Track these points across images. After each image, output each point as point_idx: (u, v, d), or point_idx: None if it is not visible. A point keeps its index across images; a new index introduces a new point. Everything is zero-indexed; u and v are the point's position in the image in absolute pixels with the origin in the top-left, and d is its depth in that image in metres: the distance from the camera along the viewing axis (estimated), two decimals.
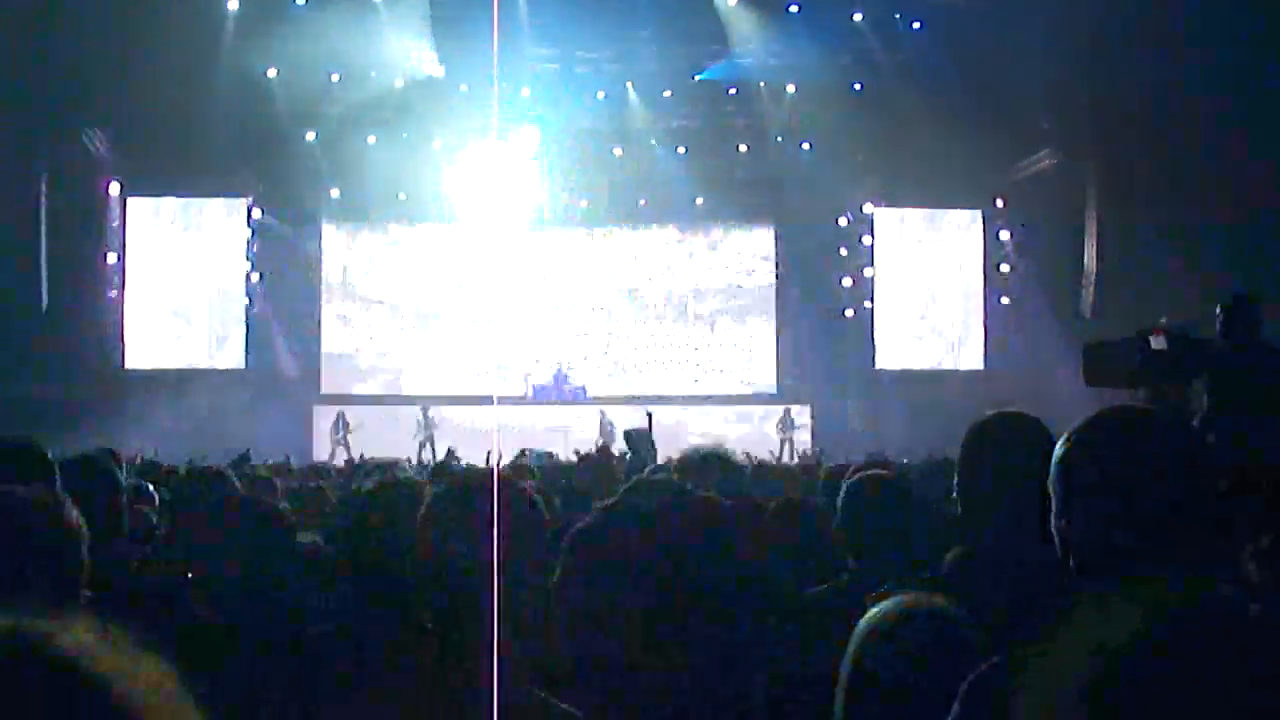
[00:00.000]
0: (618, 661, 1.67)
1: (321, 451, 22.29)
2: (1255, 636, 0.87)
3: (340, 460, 19.01)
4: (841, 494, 3.95)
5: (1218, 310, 7.66)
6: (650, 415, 17.08)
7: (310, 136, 23.16)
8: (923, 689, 2.12)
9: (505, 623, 2.18)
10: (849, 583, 3.62)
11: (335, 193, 24.06)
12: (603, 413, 24.47)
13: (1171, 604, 0.90)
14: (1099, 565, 2.07)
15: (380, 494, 3.34)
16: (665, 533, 1.71)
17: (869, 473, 4.19)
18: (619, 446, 16.41)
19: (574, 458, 12.49)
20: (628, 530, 1.71)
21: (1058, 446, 2.18)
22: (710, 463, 3.85)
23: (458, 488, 2.44)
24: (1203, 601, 0.90)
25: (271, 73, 22.07)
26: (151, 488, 6.59)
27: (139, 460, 10.74)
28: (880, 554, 3.62)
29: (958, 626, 2.24)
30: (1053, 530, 2.18)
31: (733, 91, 23.46)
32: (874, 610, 2.36)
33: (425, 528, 2.30)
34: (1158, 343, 7.55)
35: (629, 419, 19.19)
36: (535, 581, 2.22)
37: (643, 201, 25.13)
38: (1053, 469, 2.16)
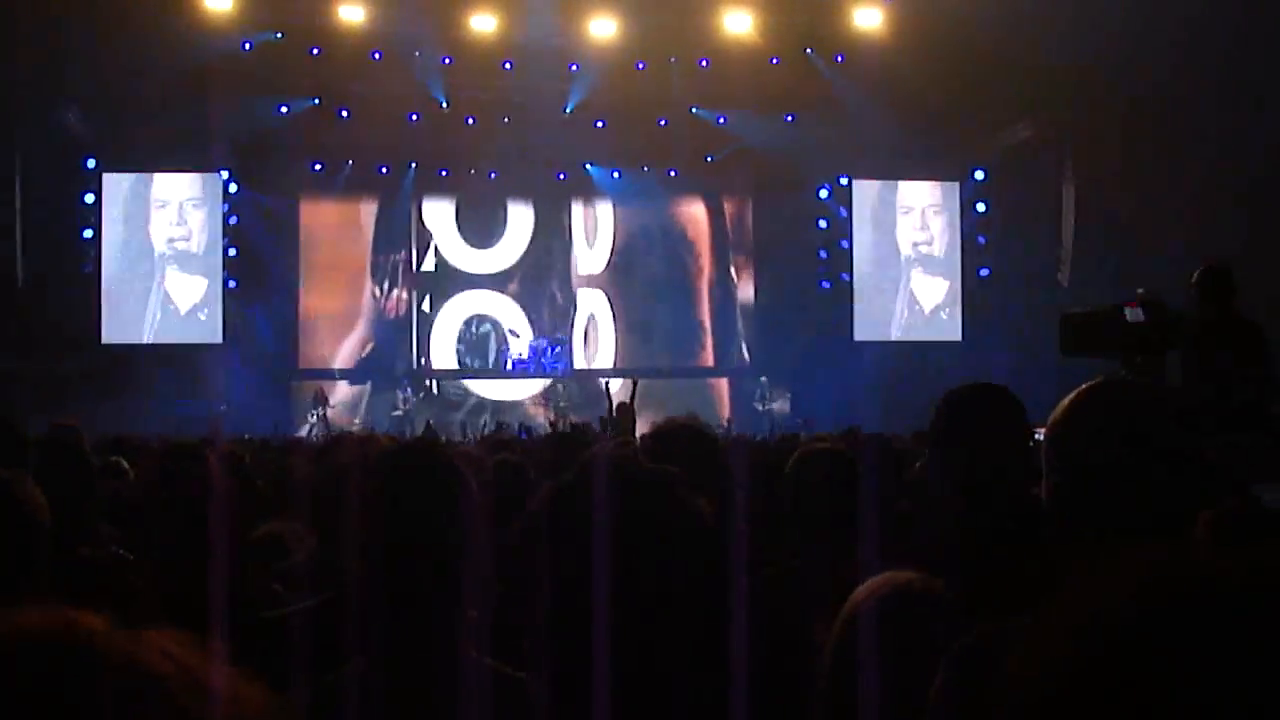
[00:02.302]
0: (570, 631, 1.67)
1: (301, 428, 22.25)
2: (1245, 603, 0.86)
3: (318, 436, 18.99)
4: (789, 468, 3.95)
5: (1192, 281, 7.69)
6: (635, 383, 17.05)
7: (284, 110, 23.10)
8: (915, 669, 2.12)
9: (451, 591, 2.18)
10: (803, 558, 3.64)
11: (318, 166, 24.00)
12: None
13: (1160, 573, 0.89)
14: (1084, 533, 2.09)
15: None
16: (616, 506, 1.70)
17: (815, 447, 4.19)
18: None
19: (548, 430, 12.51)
20: (578, 504, 1.71)
21: (1052, 416, 2.20)
22: (683, 434, 3.83)
23: (395, 454, 2.45)
24: (1190, 568, 0.90)
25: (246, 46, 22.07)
26: (126, 464, 6.57)
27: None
28: (828, 529, 3.62)
29: (948, 605, 2.25)
30: (1043, 497, 2.20)
31: (705, 63, 23.39)
32: (866, 588, 2.35)
33: (368, 495, 2.30)
34: (1133, 314, 7.57)
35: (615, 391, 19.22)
36: (479, 549, 2.23)
37: (615, 174, 25.07)
38: (1045, 438, 2.19)
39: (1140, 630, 0.85)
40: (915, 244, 25.46)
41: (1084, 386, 2.20)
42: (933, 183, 25.44)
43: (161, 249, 23.59)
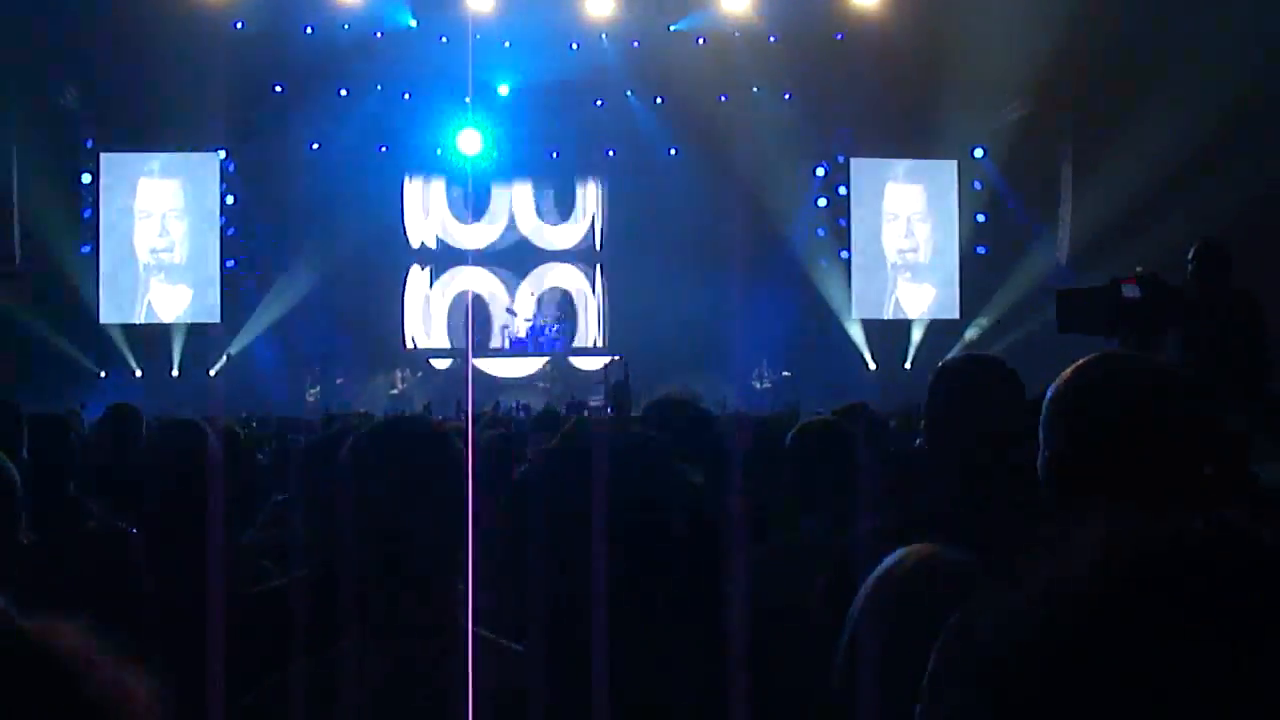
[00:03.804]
0: (565, 602, 1.67)
1: (298, 405, 22.24)
2: (1229, 569, 0.86)
3: (314, 415, 18.97)
4: (789, 441, 3.96)
5: (1189, 256, 7.69)
6: (625, 364, 17.01)
7: (279, 89, 23.05)
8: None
9: (446, 564, 2.18)
10: (807, 530, 3.64)
11: (315, 146, 23.92)
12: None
13: (1139, 537, 0.90)
14: (1080, 503, 2.09)
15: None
16: (602, 467, 1.70)
17: (814, 420, 4.20)
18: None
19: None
20: (567, 472, 1.71)
21: (1054, 386, 2.20)
22: (677, 409, 3.84)
23: (381, 431, 2.44)
24: (1174, 534, 0.90)
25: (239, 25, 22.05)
26: (124, 441, 6.58)
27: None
28: (827, 501, 3.63)
29: (975, 578, 2.24)
30: (1039, 467, 2.20)
31: (702, 41, 23.35)
32: (894, 560, 2.35)
33: (361, 470, 2.30)
34: (1130, 291, 7.57)
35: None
36: (468, 524, 2.23)
37: (611, 153, 25.05)
38: (1046, 408, 2.19)
39: (1099, 602, 0.85)
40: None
41: (1088, 358, 2.21)
42: (931, 161, 25.34)
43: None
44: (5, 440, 3.67)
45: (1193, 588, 0.85)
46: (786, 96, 24.08)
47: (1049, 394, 2.22)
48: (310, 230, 23.91)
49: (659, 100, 24.08)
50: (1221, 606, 0.84)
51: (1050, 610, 0.88)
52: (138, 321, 23.25)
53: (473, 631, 2.21)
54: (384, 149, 24.54)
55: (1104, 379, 2.17)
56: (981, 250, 25.08)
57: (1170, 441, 2.09)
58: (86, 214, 23.20)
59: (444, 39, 23.10)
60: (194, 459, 3.48)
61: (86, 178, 23.23)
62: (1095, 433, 2.12)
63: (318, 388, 23.18)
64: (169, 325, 23.22)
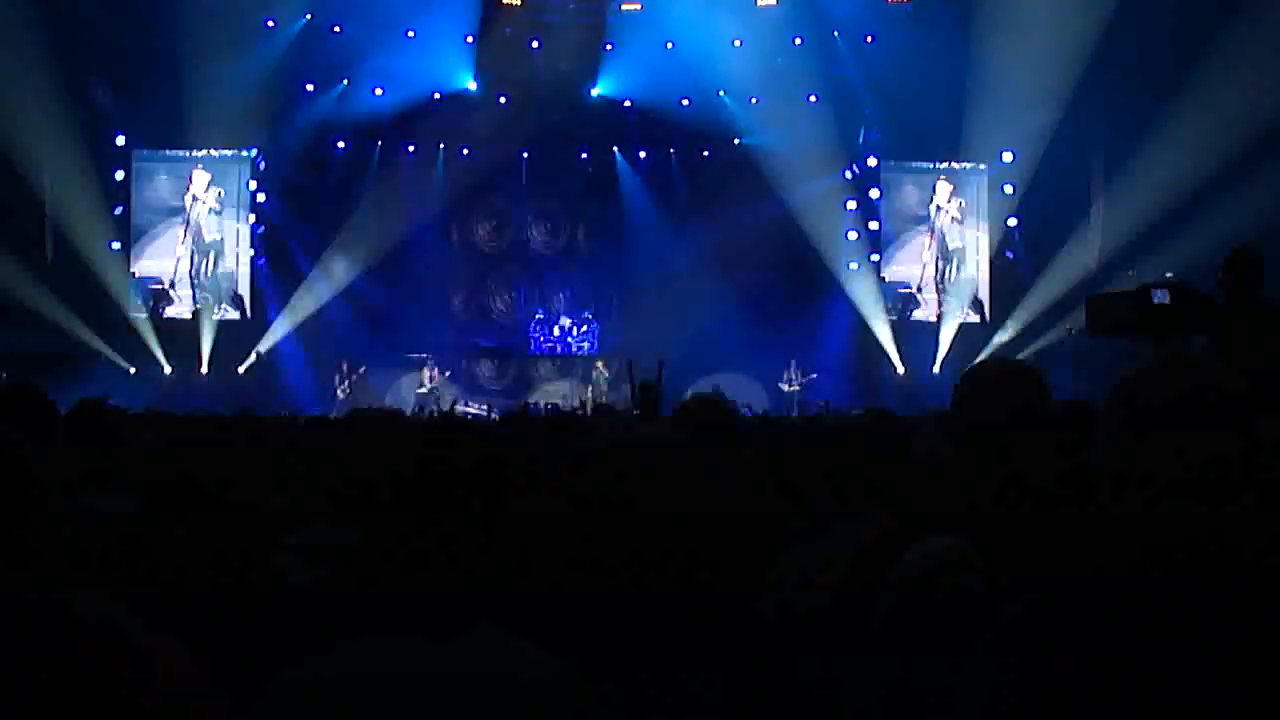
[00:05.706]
0: (584, 602, 1.67)
1: (326, 402, 22.33)
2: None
3: (343, 410, 19.03)
4: (831, 442, 3.95)
5: (1220, 263, 7.62)
6: (660, 364, 16.97)
7: (310, 87, 23.18)
8: (966, 634, 2.13)
9: (471, 564, 2.18)
10: (837, 533, 3.63)
11: (341, 145, 24.02)
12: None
13: (1159, 539, 0.90)
14: (1138, 498, 2.10)
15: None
16: (620, 474, 1.71)
17: (843, 421, 4.21)
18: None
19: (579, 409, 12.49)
20: (584, 474, 1.71)
21: (1128, 381, 2.22)
22: (707, 410, 3.84)
23: (429, 428, 2.44)
24: (1191, 536, 0.90)
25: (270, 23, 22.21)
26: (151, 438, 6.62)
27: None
28: (858, 504, 3.62)
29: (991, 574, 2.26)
30: (1103, 460, 2.21)
31: (738, 43, 23.34)
32: (917, 552, 2.36)
33: (396, 472, 2.30)
34: (1159, 297, 7.54)
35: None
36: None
37: (642, 154, 25.05)
38: (1108, 403, 2.21)
39: (1120, 598, 0.85)
40: (943, 227, 25.38)
41: (1159, 356, 2.22)
42: (962, 165, 25.23)
43: (191, 227, 23.81)
44: (41, 435, 3.69)
45: (1206, 589, 0.85)
46: (812, 98, 24.03)
47: (1120, 386, 2.24)
48: (338, 228, 24.03)
49: (686, 101, 24.07)
50: (1232, 610, 0.84)
51: (1075, 604, 0.88)
52: (166, 317, 23.35)
53: (494, 633, 2.21)
54: (411, 147, 24.62)
55: (1158, 378, 2.18)
56: (1011, 255, 24.99)
57: (1211, 444, 2.09)
58: (117, 211, 23.31)
59: (469, 38, 23.18)
60: (217, 457, 3.50)
61: (119, 175, 23.33)
62: (1142, 429, 2.12)
63: (346, 384, 23.28)
64: (198, 322, 23.31)
